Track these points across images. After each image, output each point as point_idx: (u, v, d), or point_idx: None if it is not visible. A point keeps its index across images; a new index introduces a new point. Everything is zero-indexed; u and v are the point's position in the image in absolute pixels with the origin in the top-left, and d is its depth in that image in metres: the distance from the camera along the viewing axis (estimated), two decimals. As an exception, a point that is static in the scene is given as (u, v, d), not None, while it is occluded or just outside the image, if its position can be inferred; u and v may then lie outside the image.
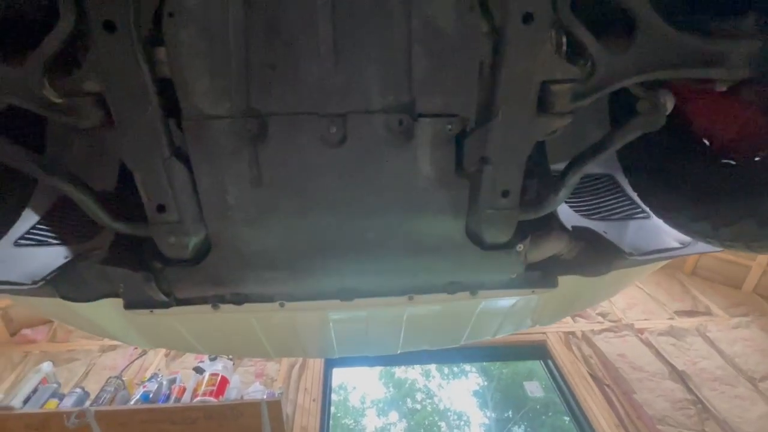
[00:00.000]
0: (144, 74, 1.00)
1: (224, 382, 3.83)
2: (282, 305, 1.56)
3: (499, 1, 1.01)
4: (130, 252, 1.38)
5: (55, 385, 3.91)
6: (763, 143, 1.19)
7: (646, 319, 5.37)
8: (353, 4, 1.01)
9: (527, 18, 1.01)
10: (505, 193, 1.24)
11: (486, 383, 11.49)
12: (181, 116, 1.09)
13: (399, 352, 2.15)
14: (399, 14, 1.02)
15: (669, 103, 1.12)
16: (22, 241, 1.51)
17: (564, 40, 1.07)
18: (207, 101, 1.07)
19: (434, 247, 1.36)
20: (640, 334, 5.09)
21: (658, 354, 4.77)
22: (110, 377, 4.06)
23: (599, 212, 1.75)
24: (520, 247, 1.39)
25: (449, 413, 11.50)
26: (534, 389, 9.32)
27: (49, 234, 1.54)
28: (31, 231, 1.53)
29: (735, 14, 1.04)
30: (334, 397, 4.95)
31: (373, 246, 1.33)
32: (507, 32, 1.03)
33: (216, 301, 1.54)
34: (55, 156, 1.48)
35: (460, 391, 12.24)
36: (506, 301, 1.73)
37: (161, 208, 1.18)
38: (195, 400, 3.65)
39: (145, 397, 3.75)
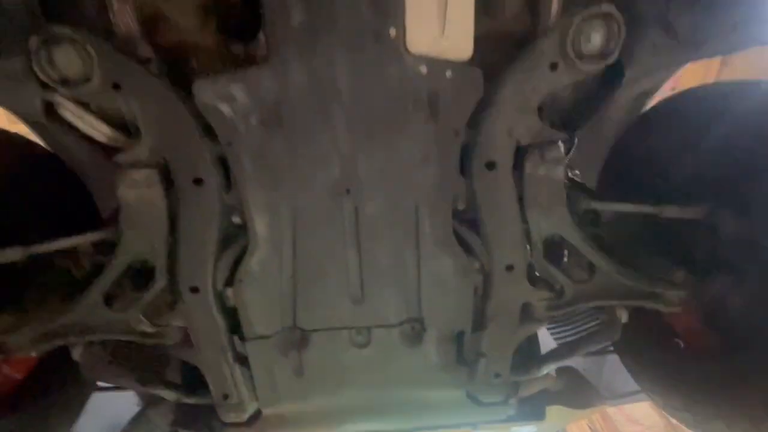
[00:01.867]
0: (217, 316, 1.32)
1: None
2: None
3: (486, 254, 1.33)
4: (194, 413, 1.69)
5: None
6: (703, 346, 1.48)
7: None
8: (375, 254, 1.32)
9: (509, 268, 1.33)
10: (497, 375, 1.54)
11: None
12: (243, 334, 1.40)
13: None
14: (412, 264, 1.33)
15: (624, 317, 1.42)
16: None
17: (537, 275, 1.39)
18: (262, 326, 1.38)
19: (440, 405, 1.66)
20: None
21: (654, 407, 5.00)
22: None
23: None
24: (511, 400, 1.69)
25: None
26: None
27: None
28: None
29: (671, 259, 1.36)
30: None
31: (390, 409, 1.64)
32: (493, 276, 1.34)
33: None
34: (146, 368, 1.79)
35: None
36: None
37: (226, 396, 1.49)
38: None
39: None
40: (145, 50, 1.12)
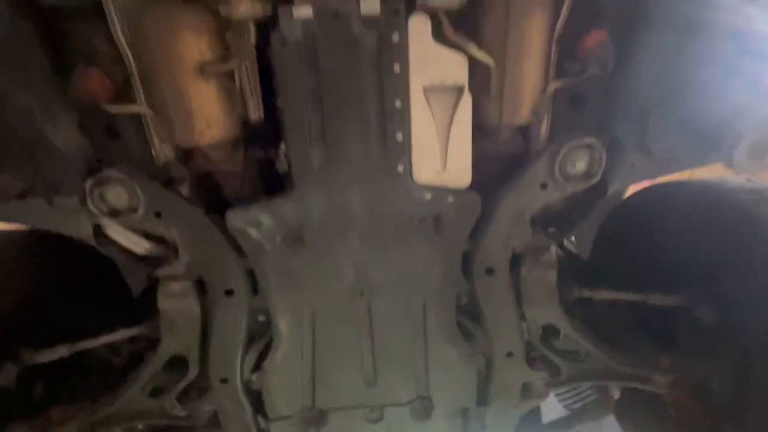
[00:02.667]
0: (243, 401, 1.45)
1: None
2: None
3: (487, 337, 1.46)
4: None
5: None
6: (693, 418, 1.60)
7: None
8: (387, 342, 1.45)
9: (509, 354, 1.46)
10: (500, 440, 1.66)
11: None
12: (266, 414, 1.53)
13: None
14: (420, 351, 1.47)
15: (617, 394, 1.55)
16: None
17: (534, 358, 1.52)
18: (285, 407, 1.52)
19: None
20: None
21: None
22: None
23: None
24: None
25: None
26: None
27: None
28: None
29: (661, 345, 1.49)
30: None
31: None
32: (495, 361, 1.47)
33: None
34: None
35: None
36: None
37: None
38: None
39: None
40: (181, 174, 1.27)
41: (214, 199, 1.33)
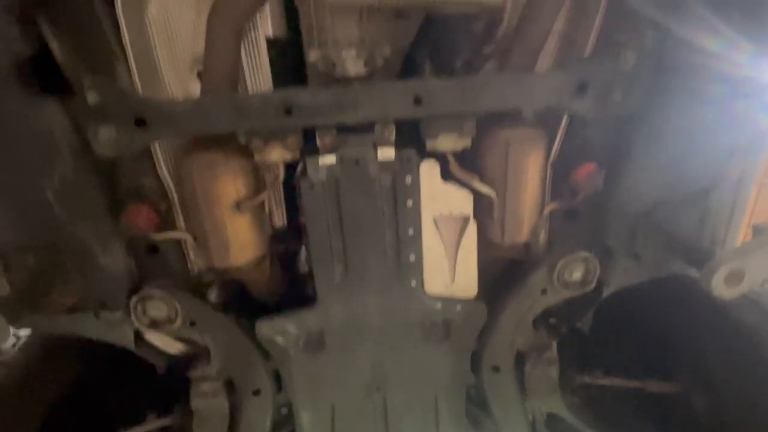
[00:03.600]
0: None
1: None
2: None
3: (495, 425, 1.55)
4: None
5: None
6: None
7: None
8: (400, 430, 1.55)
9: None
10: None
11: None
12: None
13: None
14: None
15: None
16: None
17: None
18: None
19: None
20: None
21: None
22: None
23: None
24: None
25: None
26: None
27: None
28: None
29: None
30: None
31: None
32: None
33: None
34: None
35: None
36: None
37: None
38: None
39: None
40: (212, 281, 1.40)
41: (241, 298, 1.46)
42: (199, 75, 1.22)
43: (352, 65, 1.12)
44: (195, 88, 1.23)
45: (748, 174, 1.30)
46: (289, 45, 1.26)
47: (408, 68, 1.33)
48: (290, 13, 1.26)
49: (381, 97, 1.06)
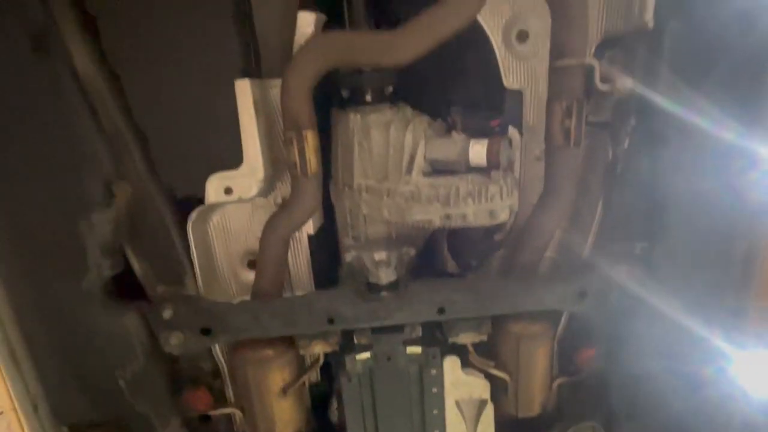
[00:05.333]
0: None
1: None
2: None
3: None
4: None
5: None
6: None
7: None
8: None
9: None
10: None
11: None
12: None
13: None
14: None
15: None
16: None
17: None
18: None
19: None
20: None
21: None
22: None
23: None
24: None
25: None
26: None
27: None
28: None
29: None
30: None
31: None
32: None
33: None
34: None
35: None
36: None
37: None
38: None
39: None
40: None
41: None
42: (249, 264, 1.44)
43: (384, 275, 1.30)
44: (244, 274, 1.44)
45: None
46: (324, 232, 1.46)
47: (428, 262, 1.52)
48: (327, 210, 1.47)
49: (410, 308, 1.25)
